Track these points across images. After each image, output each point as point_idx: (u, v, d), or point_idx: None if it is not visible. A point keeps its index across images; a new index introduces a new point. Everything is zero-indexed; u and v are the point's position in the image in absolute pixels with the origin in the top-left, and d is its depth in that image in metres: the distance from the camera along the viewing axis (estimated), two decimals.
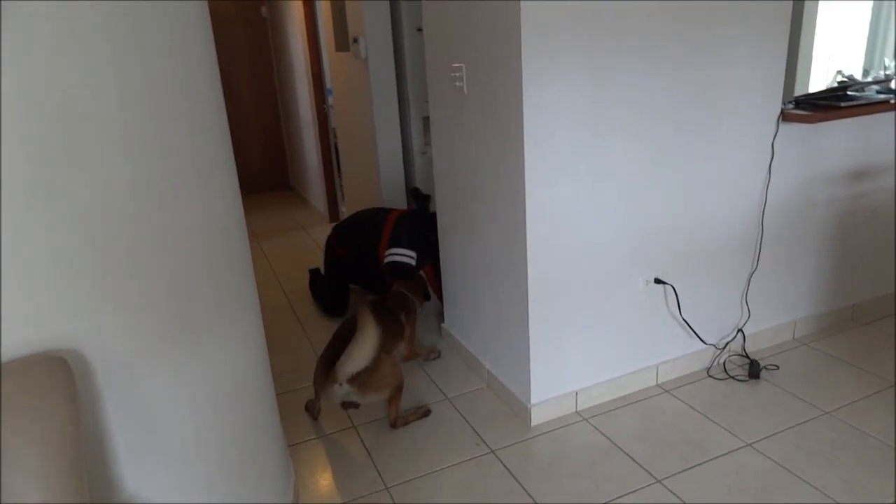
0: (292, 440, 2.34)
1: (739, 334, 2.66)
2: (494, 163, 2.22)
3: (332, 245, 3.39)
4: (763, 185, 2.49)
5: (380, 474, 2.12)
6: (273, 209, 5.92)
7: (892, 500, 1.86)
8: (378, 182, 3.59)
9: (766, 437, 2.18)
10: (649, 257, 2.36)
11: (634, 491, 1.98)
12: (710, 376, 2.58)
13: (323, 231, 4.88)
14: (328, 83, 4.91)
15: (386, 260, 3.04)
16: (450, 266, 2.83)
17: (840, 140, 2.60)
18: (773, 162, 2.46)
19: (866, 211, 2.79)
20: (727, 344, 2.64)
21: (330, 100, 5.02)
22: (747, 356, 2.65)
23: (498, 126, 2.15)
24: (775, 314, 2.75)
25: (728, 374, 2.58)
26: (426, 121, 3.58)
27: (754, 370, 2.54)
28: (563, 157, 2.09)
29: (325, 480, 2.13)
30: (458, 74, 2.34)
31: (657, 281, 2.40)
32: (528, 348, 2.25)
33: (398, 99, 3.51)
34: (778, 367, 2.58)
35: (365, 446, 2.28)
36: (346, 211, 4.87)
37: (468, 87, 2.31)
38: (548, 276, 2.20)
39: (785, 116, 2.43)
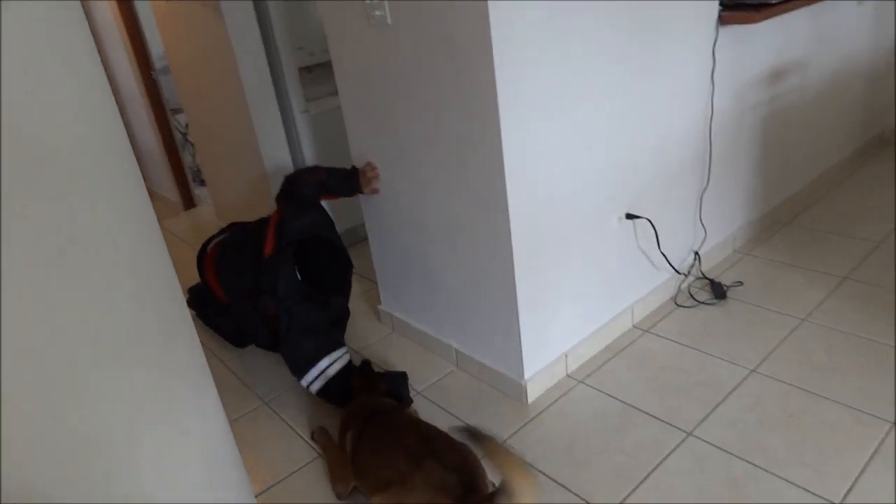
0: None
1: (697, 256, 2.56)
2: (450, 108, 1.81)
3: (203, 272, 2.57)
4: (708, 97, 2.34)
5: None
6: None
7: None
8: (258, 154, 2.99)
9: (765, 360, 2.09)
10: (619, 192, 2.13)
11: (672, 452, 1.78)
12: (679, 305, 2.46)
13: (181, 223, 4.13)
14: (154, 44, 4.05)
15: (314, 391, 2.03)
16: (383, 237, 2.40)
17: (761, 41, 2.52)
18: (714, 71, 2.31)
19: (781, 112, 2.79)
20: (689, 269, 2.53)
21: (158, 64, 4.17)
22: (706, 277, 2.56)
23: (451, 61, 1.73)
24: (720, 229, 2.69)
25: (696, 299, 2.47)
26: (303, 72, 3.02)
27: (719, 291, 2.46)
28: (534, 93, 1.74)
29: None
30: (376, 2, 1.86)
31: (629, 216, 2.18)
32: (517, 315, 1.93)
33: (266, 49, 2.89)
34: (742, 284, 2.52)
35: None
36: (210, 198, 4.11)
37: (393, 16, 1.84)
38: (529, 230, 1.87)
39: (722, 20, 2.27)
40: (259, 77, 2.90)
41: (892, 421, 1.77)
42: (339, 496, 1.76)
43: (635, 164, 2.14)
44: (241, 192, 3.39)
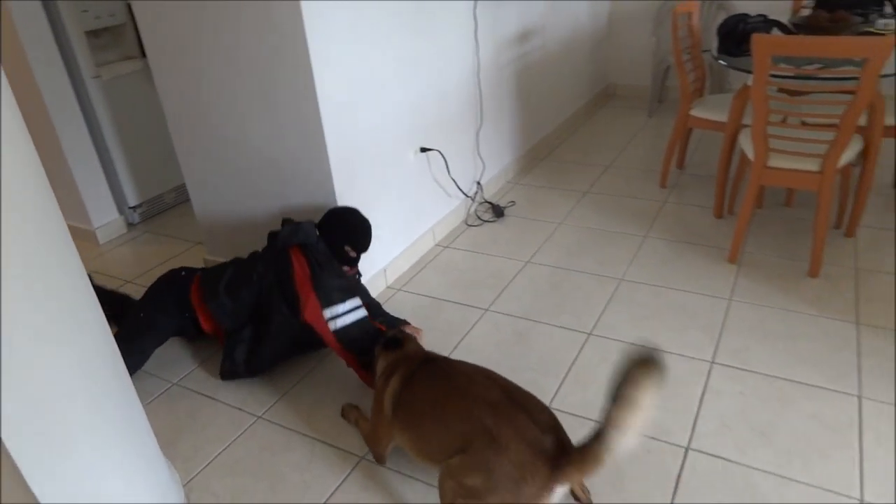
0: None
1: (479, 185, 3.11)
2: (263, 52, 2.06)
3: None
4: (474, 52, 2.87)
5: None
6: None
7: (629, 264, 2.57)
8: (50, 124, 2.88)
9: (535, 253, 2.70)
10: (413, 129, 2.56)
11: (475, 324, 2.28)
12: (469, 225, 3.00)
13: None
14: None
15: (333, 327, 1.91)
16: (206, 192, 2.56)
17: (510, 7, 3.12)
18: (477, 30, 2.84)
19: (530, 67, 3.45)
20: (475, 196, 3.08)
21: None
22: (488, 202, 3.14)
23: (259, 11, 1.98)
24: (495, 163, 3.28)
25: (481, 219, 3.03)
26: (90, 36, 2.96)
27: (498, 211, 3.05)
28: (335, 41, 2.07)
29: None
30: None
31: (422, 150, 2.63)
32: None
33: (47, 14, 2.79)
34: (514, 203, 3.14)
35: None
36: None
37: None
38: (344, 166, 2.21)
39: None
40: (42, 41, 2.80)
41: (620, 277, 2.46)
42: (379, 459, 1.68)
43: (423, 106, 2.59)
44: None
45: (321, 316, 1.91)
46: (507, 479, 1.25)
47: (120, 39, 3.12)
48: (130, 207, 3.32)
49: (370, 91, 2.26)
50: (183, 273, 2.21)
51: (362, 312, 1.96)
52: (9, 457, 0.90)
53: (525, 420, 1.29)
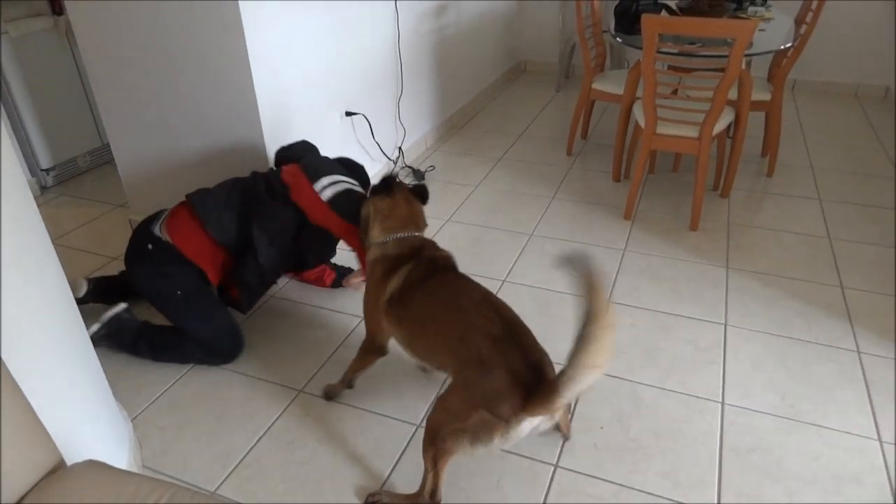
0: None
1: (400, 151, 3.28)
2: (193, 23, 2.12)
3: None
4: (395, 21, 3.01)
5: None
6: None
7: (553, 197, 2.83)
8: None
9: (455, 213, 2.92)
10: (338, 93, 2.69)
11: None
12: None
13: None
14: None
15: (326, 194, 1.97)
16: (127, 146, 2.58)
17: None
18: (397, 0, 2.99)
19: (446, 40, 3.64)
20: (396, 160, 3.25)
21: None
22: (409, 166, 3.31)
23: None
24: (415, 130, 3.45)
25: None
26: None
27: (419, 175, 3.24)
28: (272, 3, 2.16)
29: None
30: None
31: (348, 113, 2.76)
32: None
33: None
34: (434, 167, 3.33)
35: None
36: None
37: None
38: (275, 123, 2.32)
39: None
40: None
41: (530, 233, 2.73)
42: (381, 350, 1.74)
43: (348, 71, 2.72)
44: None
45: (311, 190, 1.96)
46: (483, 398, 1.34)
47: None
48: (43, 170, 3.24)
49: (299, 54, 2.37)
50: (150, 247, 1.96)
51: (353, 183, 2.03)
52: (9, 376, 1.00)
53: (517, 355, 1.38)
